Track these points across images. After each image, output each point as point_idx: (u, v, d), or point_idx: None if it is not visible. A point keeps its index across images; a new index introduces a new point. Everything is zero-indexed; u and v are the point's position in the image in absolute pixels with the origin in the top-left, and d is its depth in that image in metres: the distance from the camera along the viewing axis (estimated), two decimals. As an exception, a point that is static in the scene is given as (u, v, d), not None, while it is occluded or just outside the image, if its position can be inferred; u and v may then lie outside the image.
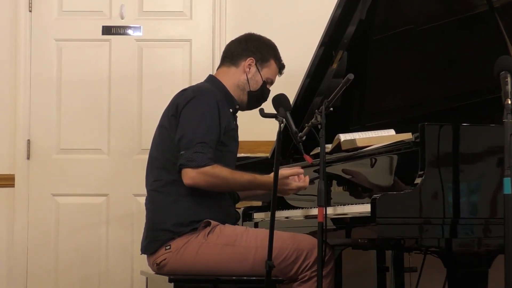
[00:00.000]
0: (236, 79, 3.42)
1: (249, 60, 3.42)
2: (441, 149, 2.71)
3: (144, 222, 3.36)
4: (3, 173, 4.79)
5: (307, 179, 3.26)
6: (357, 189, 3.17)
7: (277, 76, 3.51)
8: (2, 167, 4.78)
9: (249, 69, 3.42)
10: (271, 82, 3.49)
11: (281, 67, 3.51)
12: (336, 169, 3.27)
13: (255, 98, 3.44)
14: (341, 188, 3.25)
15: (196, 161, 3.13)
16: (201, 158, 3.13)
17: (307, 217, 3.26)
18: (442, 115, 3.34)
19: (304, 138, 2.91)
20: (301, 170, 3.26)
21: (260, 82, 3.43)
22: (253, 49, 3.43)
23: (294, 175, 3.24)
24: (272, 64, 3.46)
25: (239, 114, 3.48)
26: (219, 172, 3.15)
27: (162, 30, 4.84)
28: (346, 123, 3.88)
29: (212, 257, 3.14)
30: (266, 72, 3.45)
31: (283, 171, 3.20)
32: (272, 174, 2.89)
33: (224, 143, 3.27)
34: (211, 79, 3.46)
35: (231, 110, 3.37)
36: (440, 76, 3.53)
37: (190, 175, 3.14)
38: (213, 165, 3.14)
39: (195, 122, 3.20)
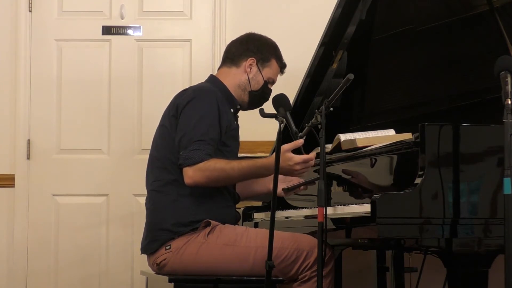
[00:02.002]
0: (237, 79, 3.42)
1: (250, 60, 3.42)
2: (441, 149, 2.71)
3: (144, 222, 3.36)
4: (3, 173, 4.79)
5: (313, 154, 3.15)
6: (357, 189, 3.17)
7: (278, 75, 3.51)
8: (2, 167, 4.78)
9: (250, 69, 3.42)
10: (273, 82, 3.48)
11: (282, 66, 3.50)
12: (336, 169, 3.27)
13: (256, 98, 3.44)
14: (341, 188, 3.25)
15: (193, 158, 3.12)
16: (197, 155, 3.12)
17: (307, 217, 3.26)
18: (442, 115, 3.34)
19: (304, 138, 2.90)
20: (301, 141, 3.02)
21: (262, 82, 3.43)
22: (254, 49, 3.43)
23: (295, 147, 3.06)
24: (274, 64, 3.46)
25: (240, 113, 3.48)
26: (214, 164, 3.13)
27: (162, 30, 4.84)
28: (346, 123, 3.88)
29: (212, 257, 3.14)
30: (268, 72, 3.44)
31: (283, 145, 3.05)
32: (273, 155, 2.83)
33: (225, 143, 3.27)
34: (212, 79, 3.46)
35: (232, 110, 3.37)
36: (440, 76, 3.53)
37: (188, 174, 3.13)
38: (209, 159, 3.13)
39: (194, 121, 3.20)
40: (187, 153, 3.13)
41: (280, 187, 3.31)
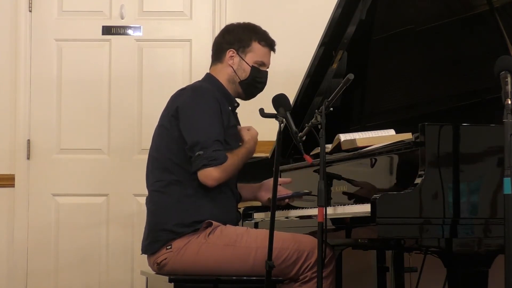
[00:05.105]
0: (225, 74, 3.39)
1: (230, 52, 3.38)
2: (441, 149, 2.71)
3: (144, 222, 3.35)
4: (3, 173, 4.79)
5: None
6: (357, 189, 3.16)
7: (271, 54, 3.44)
8: (2, 167, 4.79)
9: (233, 60, 3.39)
10: (263, 64, 3.41)
11: (269, 44, 3.42)
12: (336, 169, 3.26)
13: (250, 86, 3.40)
14: (341, 188, 3.25)
15: (219, 159, 3.14)
16: (222, 156, 3.15)
17: (307, 217, 3.26)
18: (442, 115, 3.34)
19: (304, 138, 2.90)
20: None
21: (248, 69, 3.38)
22: (230, 40, 3.39)
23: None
24: (256, 46, 3.39)
25: (240, 113, 3.48)
26: (231, 162, 3.18)
27: (162, 30, 4.84)
28: (346, 123, 3.88)
29: (212, 257, 3.14)
30: (252, 56, 3.38)
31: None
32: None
33: (227, 142, 3.26)
34: (209, 77, 3.44)
35: (230, 108, 3.36)
36: (440, 76, 3.53)
37: (213, 175, 3.15)
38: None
39: (204, 122, 3.20)
40: (210, 154, 3.14)
41: (266, 196, 3.42)
